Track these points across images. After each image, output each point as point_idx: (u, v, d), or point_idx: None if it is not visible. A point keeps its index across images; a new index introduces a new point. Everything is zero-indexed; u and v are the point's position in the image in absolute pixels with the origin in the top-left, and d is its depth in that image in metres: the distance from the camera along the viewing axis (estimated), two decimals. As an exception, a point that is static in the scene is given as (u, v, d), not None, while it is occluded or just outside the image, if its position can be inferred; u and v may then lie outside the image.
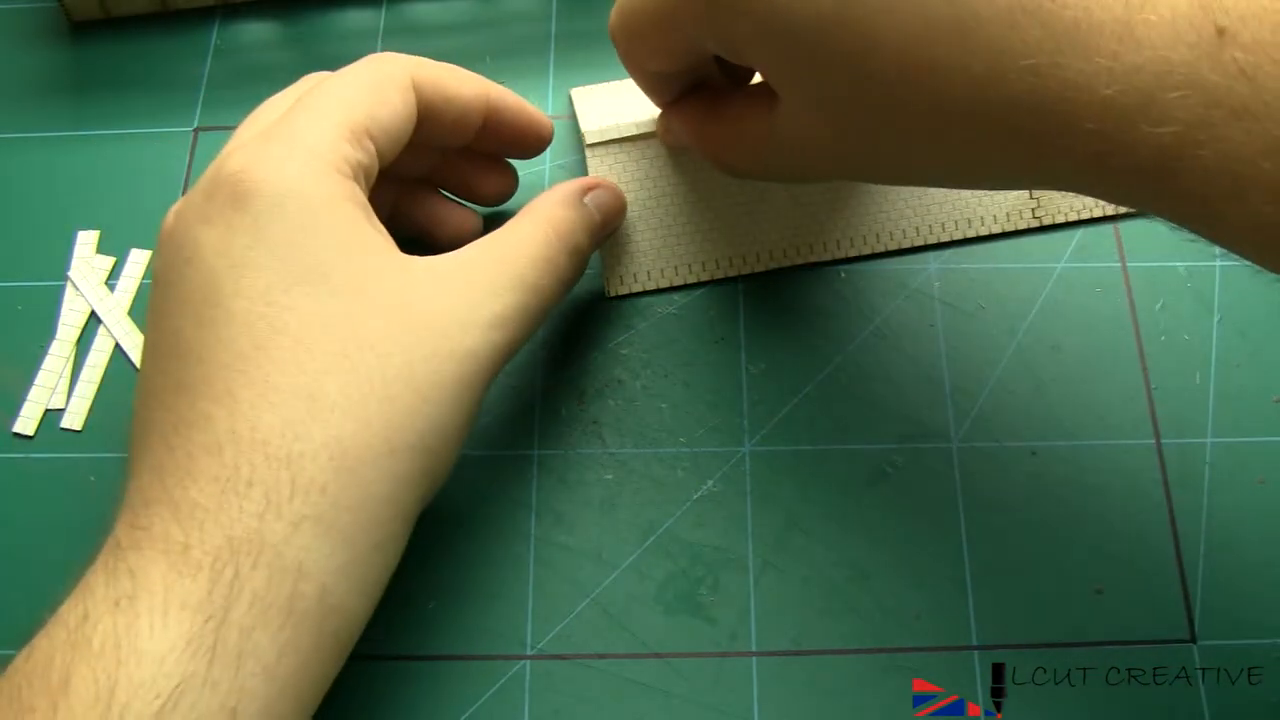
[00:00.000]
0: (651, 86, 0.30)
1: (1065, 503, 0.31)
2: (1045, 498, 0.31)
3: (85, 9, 0.38)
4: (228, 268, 0.23)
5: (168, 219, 0.25)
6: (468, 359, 0.25)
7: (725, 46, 0.25)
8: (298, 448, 0.22)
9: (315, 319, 0.23)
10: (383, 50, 0.34)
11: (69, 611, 0.21)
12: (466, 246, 0.26)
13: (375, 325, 0.24)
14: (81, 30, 0.38)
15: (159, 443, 0.23)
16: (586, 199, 0.29)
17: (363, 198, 0.25)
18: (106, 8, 0.38)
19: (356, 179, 0.25)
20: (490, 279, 0.26)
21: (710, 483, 0.31)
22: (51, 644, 0.21)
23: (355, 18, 0.38)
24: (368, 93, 0.26)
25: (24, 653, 0.21)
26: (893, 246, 0.34)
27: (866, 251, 0.34)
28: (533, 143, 0.31)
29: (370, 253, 0.25)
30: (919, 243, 0.34)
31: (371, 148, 0.26)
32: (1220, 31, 0.19)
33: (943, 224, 0.34)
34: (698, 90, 0.30)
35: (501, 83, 0.30)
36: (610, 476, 0.31)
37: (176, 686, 0.20)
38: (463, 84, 0.28)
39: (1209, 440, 0.32)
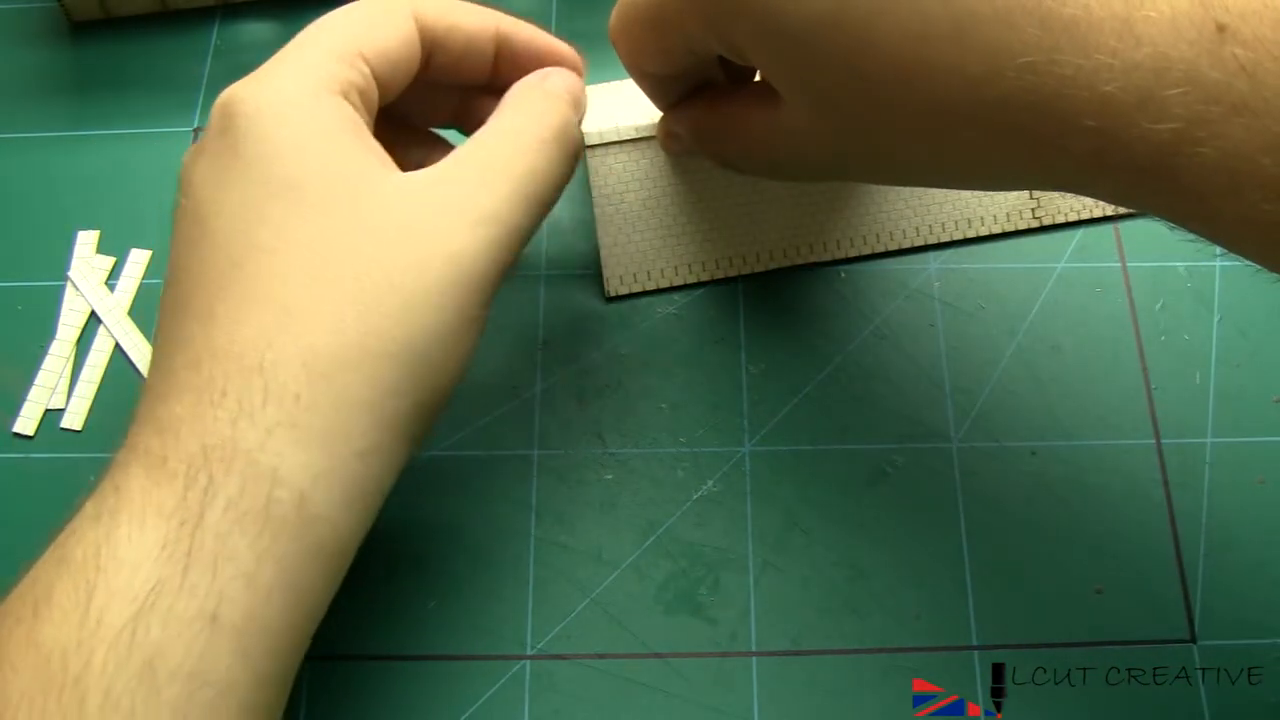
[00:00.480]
0: (653, 89, 0.30)
1: (1065, 503, 0.31)
2: (1045, 498, 0.31)
3: (85, 9, 0.38)
4: (211, 190, 0.24)
5: (183, 159, 0.26)
6: (457, 259, 0.24)
7: (725, 46, 0.25)
8: (270, 356, 0.22)
9: (291, 232, 0.23)
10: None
11: (60, 533, 0.22)
12: (458, 149, 0.26)
13: (354, 235, 0.24)
14: (81, 30, 0.38)
15: (153, 367, 0.24)
16: (549, 85, 0.28)
17: (351, 112, 0.25)
18: (106, 8, 0.38)
19: (347, 96, 0.25)
20: (478, 176, 0.25)
21: (710, 483, 0.31)
22: (41, 563, 0.22)
23: (355, 18, 0.38)
24: (361, 20, 0.26)
25: (20, 578, 0.22)
26: (893, 246, 0.34)
27: (866, 251, 0.34)
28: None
29: (354, 166, 0.24)
30: (919, 243, 0.34)
31: (365, 69, 0.26)
32: (1220, 28, 0.19)
33: (943, 224, 0.34)
34: (700, 90, 0.30)
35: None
36: (610, 476, 0.31)
37: (152, 589, 0.20)
38: (469, 13, 0.28)
39: (1209, 440, 0.32)
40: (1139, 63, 0.20)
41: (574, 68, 0.30)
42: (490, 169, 0.25)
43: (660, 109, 0.31)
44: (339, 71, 0.25)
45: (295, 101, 0.24)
